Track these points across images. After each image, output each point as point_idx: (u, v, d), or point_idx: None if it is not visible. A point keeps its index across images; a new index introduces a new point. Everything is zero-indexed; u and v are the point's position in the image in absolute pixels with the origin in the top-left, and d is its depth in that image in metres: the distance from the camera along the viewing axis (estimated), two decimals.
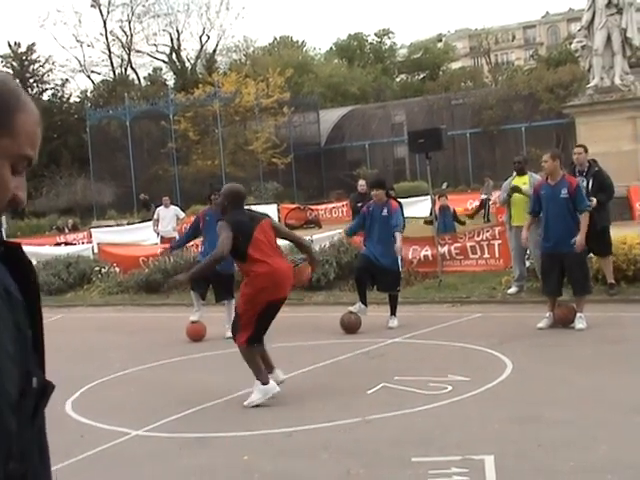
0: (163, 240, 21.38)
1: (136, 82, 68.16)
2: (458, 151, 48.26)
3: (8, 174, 1.61)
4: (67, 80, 65.04)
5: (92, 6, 65.39)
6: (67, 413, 8.19)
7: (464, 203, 30.67)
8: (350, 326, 11.64)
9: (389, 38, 79.47)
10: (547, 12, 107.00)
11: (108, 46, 67.38)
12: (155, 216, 21.92)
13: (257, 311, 7.82)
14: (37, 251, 21.20)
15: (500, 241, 14.98)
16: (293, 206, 34.73)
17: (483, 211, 27.71)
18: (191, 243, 17.62)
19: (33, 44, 61.74)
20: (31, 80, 60.83)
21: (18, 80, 50.69)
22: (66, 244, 26.95)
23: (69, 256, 19.55)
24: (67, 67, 68.18)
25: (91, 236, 28.82)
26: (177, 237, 20.49)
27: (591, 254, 12.20)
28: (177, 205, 24.72)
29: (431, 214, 18.21)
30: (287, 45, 76.05)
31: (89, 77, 69.61)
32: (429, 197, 17.54)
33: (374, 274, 11.91)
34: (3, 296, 1.54)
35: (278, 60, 62.86)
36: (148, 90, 60.89)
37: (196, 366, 10.39)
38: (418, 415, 7.20)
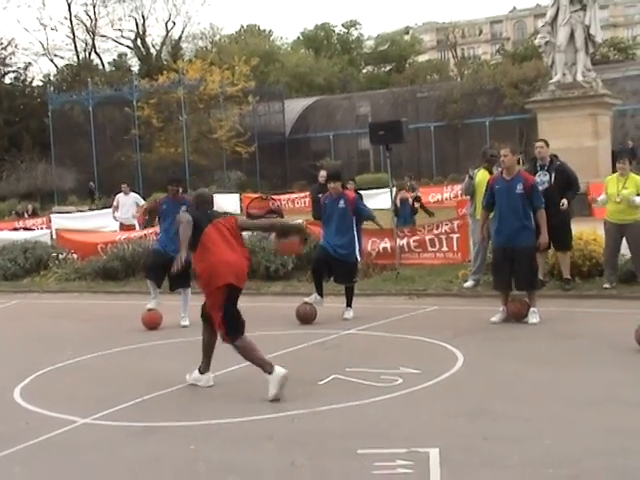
0: (122, 227, 21.24)
1: (100, 67, 67.55)
2: (422, 144, 48.45)
3: None
4: (30, 63, 64.44)
5: None
6: (15, 400, 8.07)
7: (426, 196, 30.72)
8: (305, 317, 11.63)
9: (356, 29, 79.75)
10: (514, 7, 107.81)
11: (72, 30, 66.82)
12: (115, 203, 21.76)
13: (220, 302, 7.82)
14: None
15: (459, 235, 15.07)
16: (255, 195, 34.52)
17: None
18: (150, 231, 17.61)
19: None
20: None
21: None
22: (25, 229, 26.61)
23: (26, 241, 19.33)
24: (30, 50, 67.68)
25: (50, 221, 28.49)
26: (136, 225, 20.41)
27: (550, 249, 12.28)
28: (137, 192, 24.55)
29: (394, 206, 18.30)
30: (254, 34, 75.85)
31: (52, 61, 69.18)
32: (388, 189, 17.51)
33: (331, 265, 11.92)
34: None
35: (244, 49, 62.72)
36: (112, 75, 60.45)
37: (150, 354, 10.32)
38: (367, 407, 7.20)
